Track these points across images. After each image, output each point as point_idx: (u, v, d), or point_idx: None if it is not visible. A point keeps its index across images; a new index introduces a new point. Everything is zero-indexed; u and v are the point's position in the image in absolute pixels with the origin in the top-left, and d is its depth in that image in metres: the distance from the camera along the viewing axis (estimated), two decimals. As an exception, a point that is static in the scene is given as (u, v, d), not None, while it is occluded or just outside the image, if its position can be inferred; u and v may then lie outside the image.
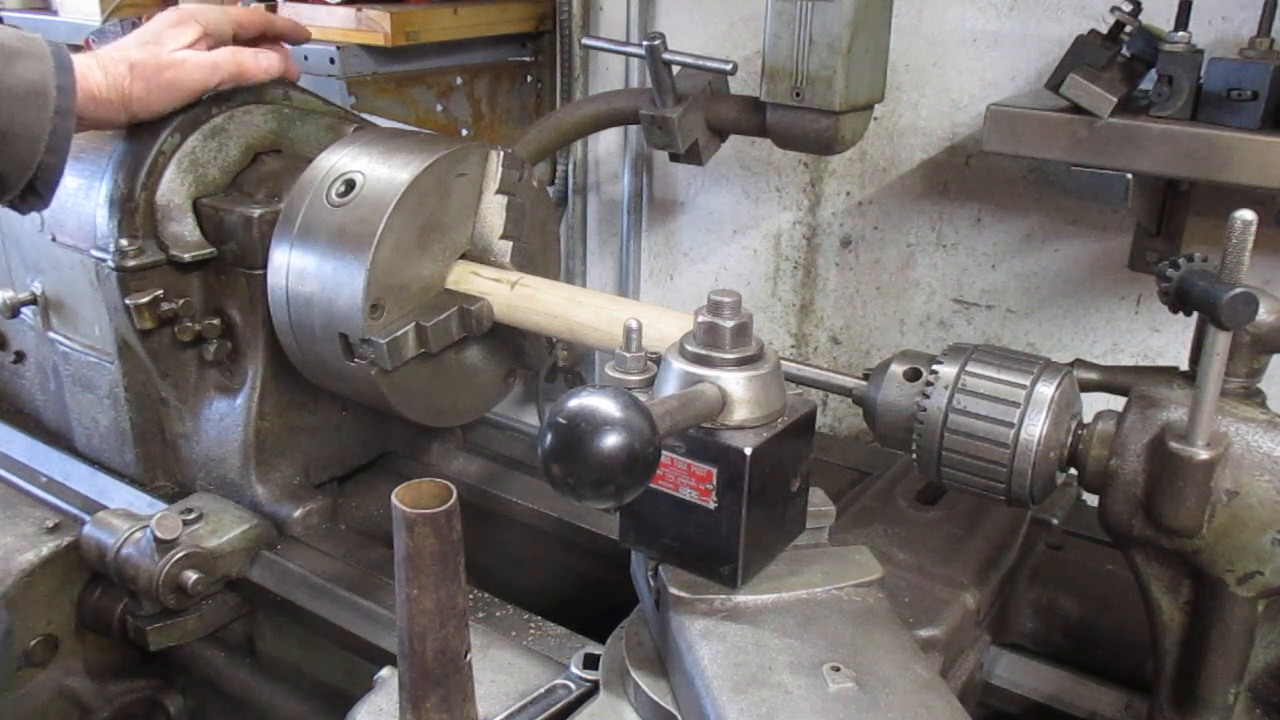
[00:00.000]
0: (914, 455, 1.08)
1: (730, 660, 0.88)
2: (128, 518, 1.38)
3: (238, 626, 1.50)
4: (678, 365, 0.93)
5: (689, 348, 0.93)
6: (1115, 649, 1.28)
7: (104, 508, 1.43)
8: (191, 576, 1.33)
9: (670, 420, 0.84)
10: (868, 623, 0.95)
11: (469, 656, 0.94)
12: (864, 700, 0.85)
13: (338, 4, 2.04)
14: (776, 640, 0.91)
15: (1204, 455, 0.93)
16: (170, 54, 1.35)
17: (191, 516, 1.41)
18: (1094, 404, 1.07)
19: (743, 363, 0.92)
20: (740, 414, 0.91)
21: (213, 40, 1.41)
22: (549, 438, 0.77)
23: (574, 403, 0.77)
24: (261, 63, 1.44)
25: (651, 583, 1.00)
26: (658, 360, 0.97)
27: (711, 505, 0.92)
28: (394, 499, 0.86)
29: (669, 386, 0.93)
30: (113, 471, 1.58)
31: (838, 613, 0.95)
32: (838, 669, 0.87)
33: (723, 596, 0.95)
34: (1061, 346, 1.95)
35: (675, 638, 0.93)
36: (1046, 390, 1.01)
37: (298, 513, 1.49)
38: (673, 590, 0.95)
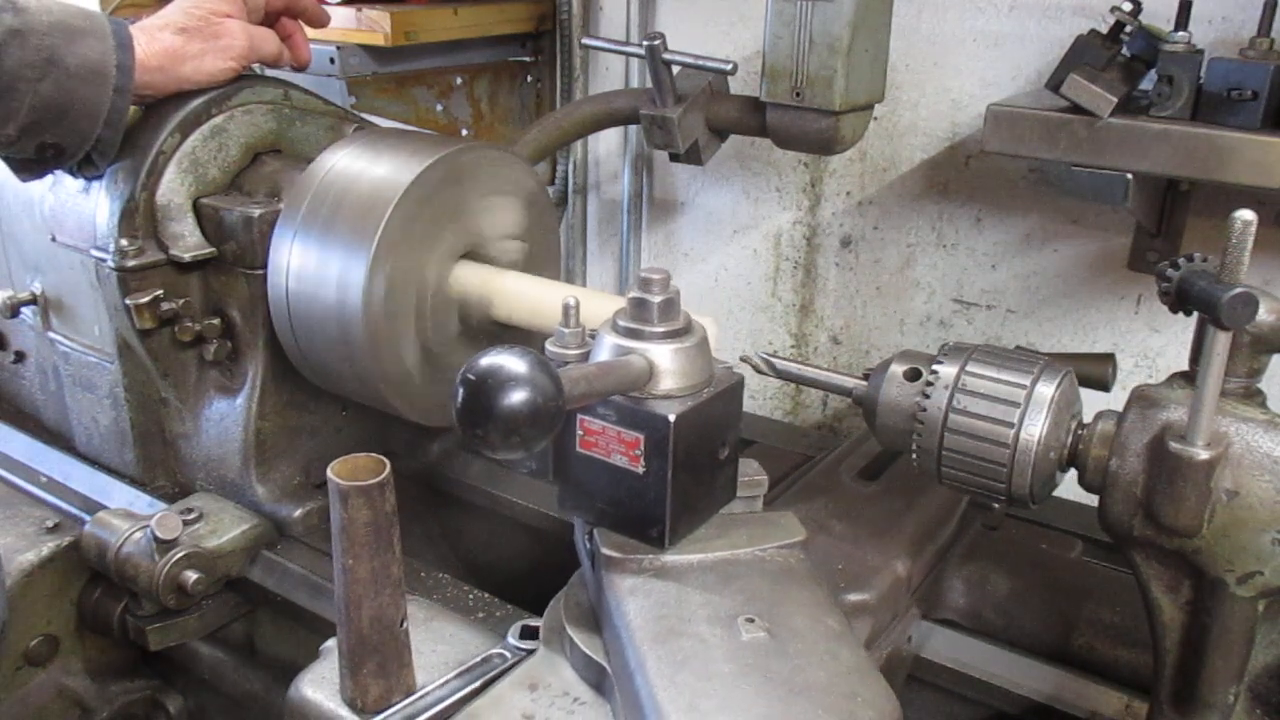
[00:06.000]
0: (914, 455, 1.08)
1: (653, 614, 0.93)
2: (128, 518, 1.37)
3: (238, 626, 1.50)
4: (609, 339, 0.98)
5: (620, 322, 0.98)
6: (1042, 623, 1.31)
7: (104, 508, 1.43)
8: (191, 576, 1.33)
9: (586, 384, 0.89)
10: (786, 580, 0.99)
11: (405, 625, 0.97)
12: (773, 648, 0.90)
13: (338, 4, 2.04)
14: (697, 595, 0.96)
15: (1204, 455, 0.93)
16: (219, 20, 1.39)
17: (191, 516, 1.41)
18: (1094, 404, 1.07)
19: (669, 335, 0.97)
20: (666, 384, 0.95)
21: (247, 11, 1.44)
22: (459, 394, 0.81)
23: (484, 361, 0.82)
24: (285, 53, 1.50)
25: (588, 545, 1.04)
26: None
27: (640, 470, 0.96)
28: (329, 472, 0.90)
29: (601, 358, 0.98)
30: (113, 471, 1.58)
31: (759, 571, 1.00)
32: (752, 620, 0.92)
33: (651, 556, 0.99)
34: (1061, 347, 1.95)
35: (606, 595, 0.97)
36: (1046, 390, 1.02)
37: (298, 513, 1.49)
38: (605, 551, 0.99)
